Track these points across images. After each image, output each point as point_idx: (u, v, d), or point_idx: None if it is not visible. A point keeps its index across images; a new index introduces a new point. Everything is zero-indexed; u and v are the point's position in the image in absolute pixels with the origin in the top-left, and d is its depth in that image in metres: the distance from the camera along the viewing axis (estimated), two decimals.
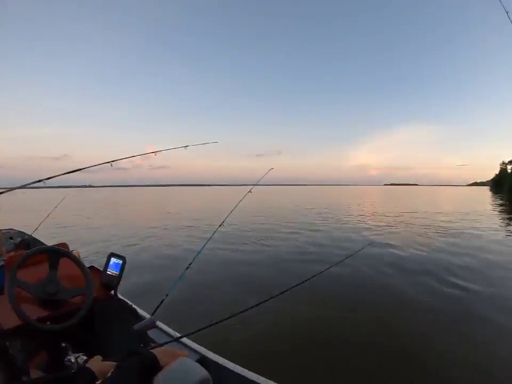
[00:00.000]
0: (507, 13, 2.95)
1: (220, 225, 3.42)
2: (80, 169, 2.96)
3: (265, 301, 1.99)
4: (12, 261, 2.09)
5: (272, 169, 4.02)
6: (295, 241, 10.28)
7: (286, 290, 2.14)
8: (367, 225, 14.09)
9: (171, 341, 1.87)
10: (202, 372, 1.05)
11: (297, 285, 2.25)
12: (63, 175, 2.82)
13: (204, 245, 3.11)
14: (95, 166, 3.07)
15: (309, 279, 2.35)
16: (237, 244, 9.71)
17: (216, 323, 1.76)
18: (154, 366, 1.01)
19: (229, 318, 1.80)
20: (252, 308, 1.91)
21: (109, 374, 1.01)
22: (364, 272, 6.49)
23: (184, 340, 1.92)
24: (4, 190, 2.76)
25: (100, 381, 1.08)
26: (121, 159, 3.17)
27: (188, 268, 2.75)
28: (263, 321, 4.09)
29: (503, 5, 3.03)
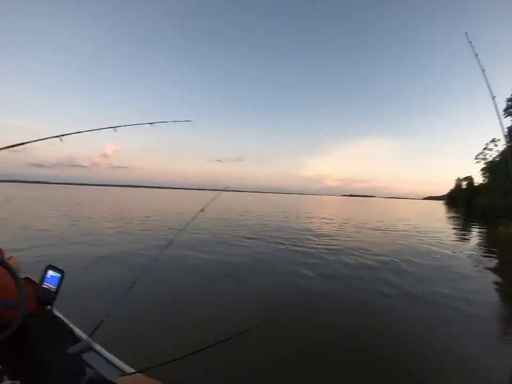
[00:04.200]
0: (476, 55, 3.13)
1: (168, 245, 3.17)
2: (23, 143, 2.77)
3: (228, 339, 1.85)
4: None
5: (224, 190, 3.90)
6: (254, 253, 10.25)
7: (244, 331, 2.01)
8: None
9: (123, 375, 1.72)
10: None
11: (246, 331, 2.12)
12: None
13: (150, 264, 2.88)
14: (41, 140, 2.87)
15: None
16: (192, 265, 8.73)
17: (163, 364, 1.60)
18: None
19: (181, 358, 1.65)
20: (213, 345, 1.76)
21: None
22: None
23: (128, 369, 1.78)
24: None
25: None
26: (71, 133, 2.93)
27: (131, 287, 2.53)
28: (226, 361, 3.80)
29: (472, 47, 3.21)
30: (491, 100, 2.87)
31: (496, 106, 2.85)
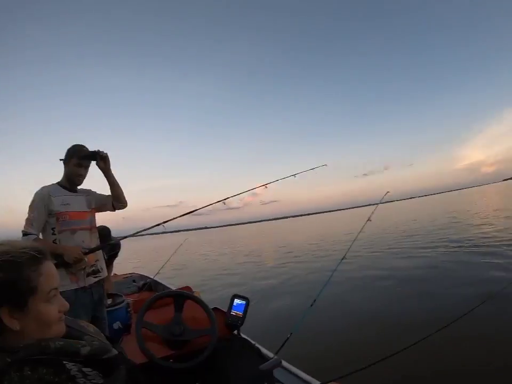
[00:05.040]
0: None
1: (342, 259, 3.22)
2: (196, 210, 3.22)
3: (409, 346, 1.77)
4: (139, 304, 2.19)
5: (388, 193, 3.79)
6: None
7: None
8: None
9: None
10: None
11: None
12: (180, 217, 3.05)
13: (327, 282, 2.95)
14: (209, 205, 3.30)
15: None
16: (367, 274, 8.67)
17: (357, 371, 1.59)
18: None
19: (371, 364, 1.62)
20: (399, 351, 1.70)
21: None
22: None
23: (315, 382, 1.80)
24: (128, 235, 3.00)
25: None
26: (233, 196, 3.45)
27: (312, 304, 2.63)
28: (418, 363, 3.60)
29: None
30: None
31: None
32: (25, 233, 2.32)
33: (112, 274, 4.36)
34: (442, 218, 21.61)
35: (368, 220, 3.45)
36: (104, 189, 2.77)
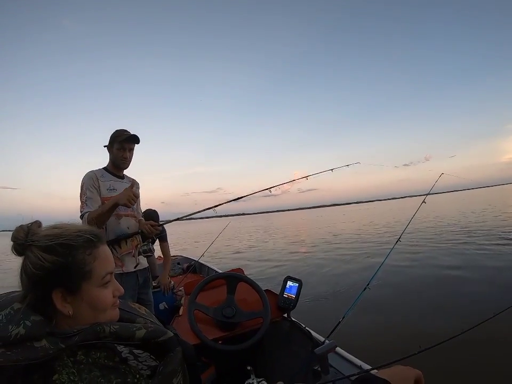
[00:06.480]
0: None
1: (397, 242, 3.13)
2: (244, 196, 3.23)
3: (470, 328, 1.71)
4: (191, 286, 2.20)
5: (443, 175, 3.69)
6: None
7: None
8: None
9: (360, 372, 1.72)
10: None
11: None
12: (228, 203, 3.08)
13: (381, 264, 2.90)
14: (256, 192, 3.29)
15: None
16: (423, 259, 8.64)
17: (412, 355, 1.54)
18: None
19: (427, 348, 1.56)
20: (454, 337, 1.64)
21: None
22: None
23: (366, 367, 1.77)
24: (179, 218, 3.03)
25: None
26: (278, 185, 3.42)
27: (365, 289, 2.57)
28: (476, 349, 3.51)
29: None
30: None
31: None
32: (82, 215, 2.34)
33: (157, 257, 4.46)
34: (495, 213, 20.87)
35: (423, 202, 3.39)
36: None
